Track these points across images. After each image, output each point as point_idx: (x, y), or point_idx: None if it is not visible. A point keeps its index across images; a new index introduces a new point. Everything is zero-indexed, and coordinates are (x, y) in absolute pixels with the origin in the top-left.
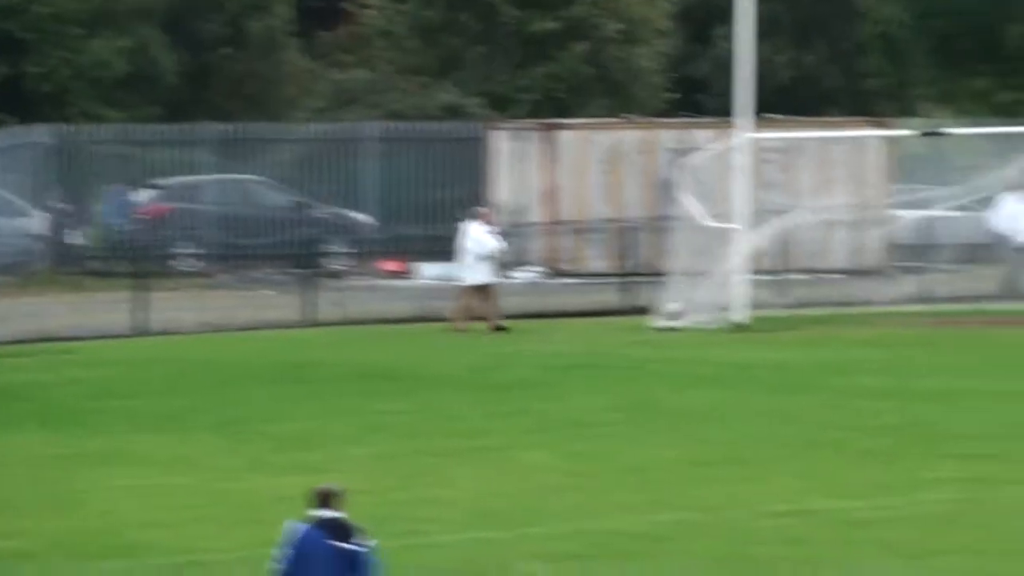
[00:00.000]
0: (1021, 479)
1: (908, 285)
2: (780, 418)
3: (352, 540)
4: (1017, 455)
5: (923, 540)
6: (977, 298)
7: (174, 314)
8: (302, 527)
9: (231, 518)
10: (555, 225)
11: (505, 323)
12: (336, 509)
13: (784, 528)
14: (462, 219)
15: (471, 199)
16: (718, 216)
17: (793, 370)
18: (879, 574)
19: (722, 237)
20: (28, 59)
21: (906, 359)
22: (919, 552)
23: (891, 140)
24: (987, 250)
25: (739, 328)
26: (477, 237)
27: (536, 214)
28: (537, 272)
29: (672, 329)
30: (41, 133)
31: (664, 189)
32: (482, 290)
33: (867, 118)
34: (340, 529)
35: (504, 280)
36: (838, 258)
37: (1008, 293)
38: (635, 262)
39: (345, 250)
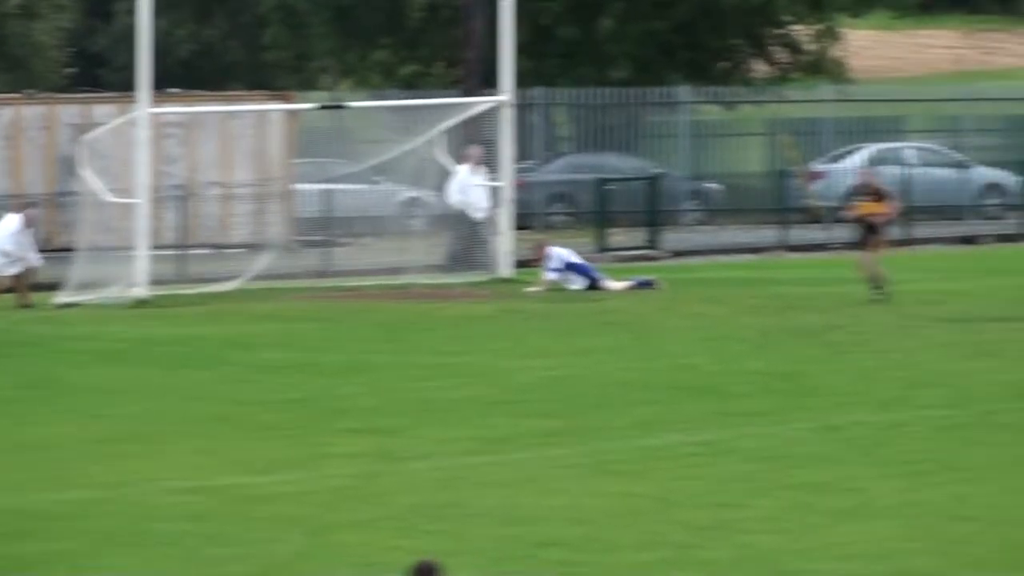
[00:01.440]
0: (420, 454)
1: (311, 259)
2: (182, 394)
3: None
4: (416, 430)
5: (323, 515)
6: (396, 270)
7: None
8: None
9: None
10: None
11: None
12: None
13: (187, 504)
14: None
15: None
16: (120, 191)
17: (195, 345)
18: (280, 549)
19: (124, 212)
20: None
21: (309, 333)
22: (319, 527)
23: (293, 114)
24: (386, 223)
25: (141, 304)
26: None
27: None
28: None
29: (74, 305)
30: None
31: (65, 165)
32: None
33: (269, 92)
34: None
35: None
36: (240, 232)
37: (457, 266)
38: (37, 238)
39: None
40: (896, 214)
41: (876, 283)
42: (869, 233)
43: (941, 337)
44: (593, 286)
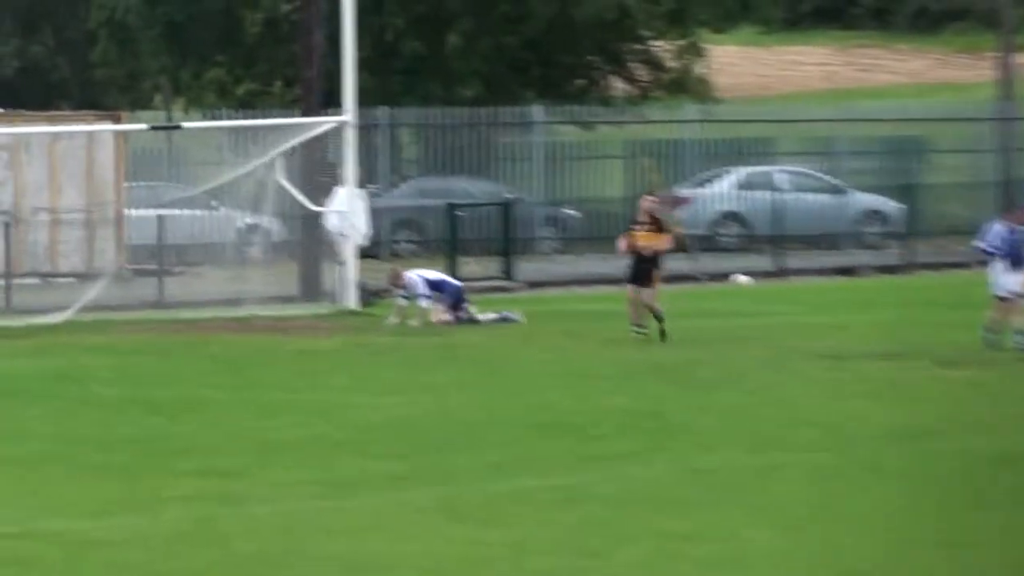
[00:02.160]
0: (261, 498)
1: (145, 288)
2: (8, 431)
3: None
4: (257, 471)
5: (159, 562)
6: (235, 301)
7: None
8: None
9: None
10: None
11: None
12: None
13: (12, 549)
14: None
15: None
16: None
17: (22, 379)
18: None
19: None
20: None
21: (143, 367)
22: (155, 574)
23: (124, 135)
24: (224, 251)
25: None
26: None
27: None
28: None
29: None
30: None
31: None
32: None
33: (98, 112)
34: None
35: None
36: (70, 261)
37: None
38: None
39: None
40: (673, 248)
41: (641, 322)
42: (643, 266)
43: (816, 374)
44: (456, 306)
